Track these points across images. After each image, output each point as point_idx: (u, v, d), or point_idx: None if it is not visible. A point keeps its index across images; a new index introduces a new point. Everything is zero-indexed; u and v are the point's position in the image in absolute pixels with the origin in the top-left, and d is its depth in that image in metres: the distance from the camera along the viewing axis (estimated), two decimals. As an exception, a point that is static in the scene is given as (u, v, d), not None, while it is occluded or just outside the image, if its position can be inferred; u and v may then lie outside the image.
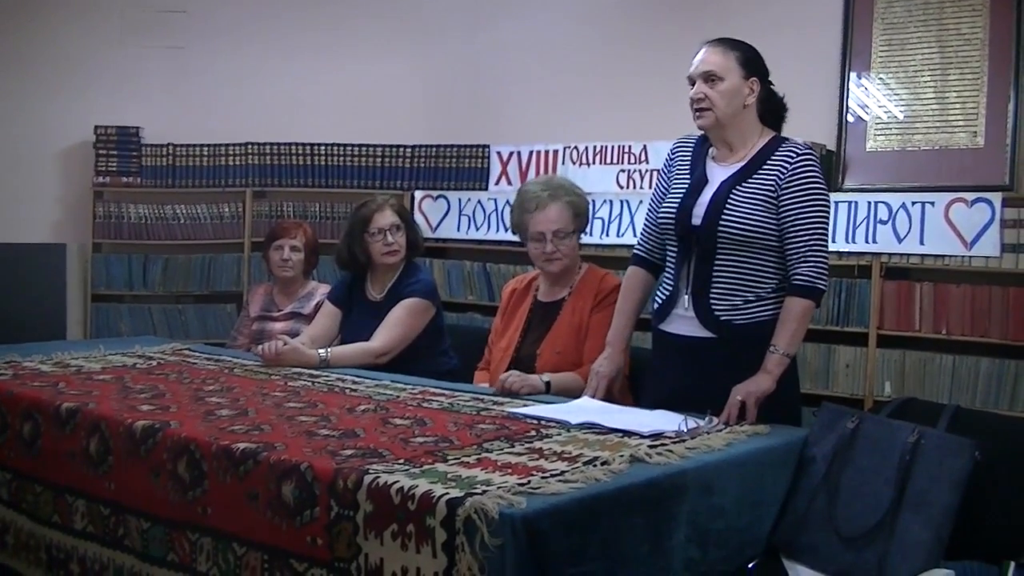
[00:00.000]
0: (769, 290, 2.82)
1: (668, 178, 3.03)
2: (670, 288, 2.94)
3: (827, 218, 2.82)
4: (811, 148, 2.87)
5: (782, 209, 2.79)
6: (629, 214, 4.71)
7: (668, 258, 2.99)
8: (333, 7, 5.82)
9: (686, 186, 2.93)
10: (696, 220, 2.85)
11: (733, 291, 2.82)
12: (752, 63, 2.86)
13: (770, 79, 2.91)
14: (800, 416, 2.91)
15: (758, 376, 2.72)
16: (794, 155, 2.81)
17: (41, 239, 5.61)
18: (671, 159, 3.05)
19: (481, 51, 5.62)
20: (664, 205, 2.97)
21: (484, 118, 5.52)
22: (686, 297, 2.88)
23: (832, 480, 2.45)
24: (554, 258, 3.39)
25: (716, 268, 2.83)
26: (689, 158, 2.99)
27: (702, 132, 2.96)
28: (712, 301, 2.83)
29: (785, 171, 2.80)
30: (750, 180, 2.83)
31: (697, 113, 2.86)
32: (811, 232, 2.77)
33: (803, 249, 2.77)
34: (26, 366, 3.27)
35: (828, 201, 2.83)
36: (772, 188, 2.80)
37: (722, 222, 2.80)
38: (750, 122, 2.89)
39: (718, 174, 2.89)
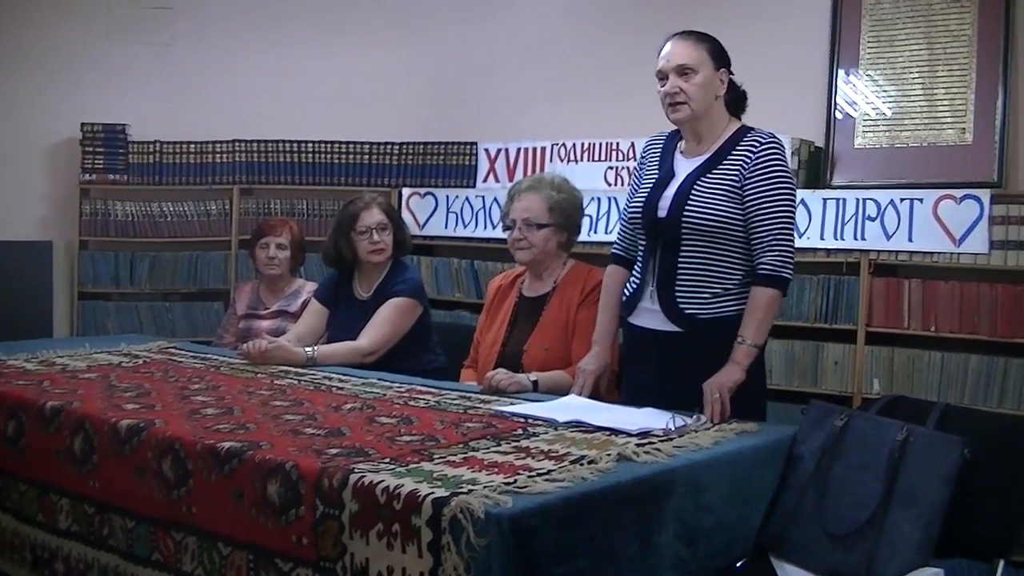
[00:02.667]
0: (735, 284, 2.82)
1: (640, 175, 3.03)
2: (637, 281, 2.94)
3: (792, 207, 2.81)
4: (776, 137, 2.86)
5: (747, 198, 2.78)
6: (617, 211, 4.71)
7: (639, 252, 2.99)
8: (320, 4, 5.80)
9: (654, 180, 2.93)
10: (662, 212, 2.85)
11: (699, 284, 2.81)
12: (720, 55, 2.87)
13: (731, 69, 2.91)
14: (765, 409, 2.89)
15: (727, 368, 2.71)
16: (758, 144, 2.81)
17: (27, 236, 5.58)
18: (643, 156, 3.07)
19: (469, 48, 5.60)
20: (633, 200, 2.98)
21: (472, 115, 5.50)
22: (651, 290, 2.88)
23: (821, 478, 2.44)
24: (519, 246, 3.41)
25: (681, 260, 2.82)
26: (659, 154, 3.00)
27: (673, 128, 2.96)
28: (677, 295, 2.82)
29: (749, 160, 2.79)
30: (715, 171, 2.83)
31: (672, 108, 2.85)
32: (776, 221, 2.76)
33: (768, 238, 2.76)
34: (11, 364, 3.24)
35: (794, 190, 2.83)
36: (736, 178, 2.80)
37: (686, 213, 2.80)
38: (720, 113, 2.90)
39: (684, 167, 2.90)
